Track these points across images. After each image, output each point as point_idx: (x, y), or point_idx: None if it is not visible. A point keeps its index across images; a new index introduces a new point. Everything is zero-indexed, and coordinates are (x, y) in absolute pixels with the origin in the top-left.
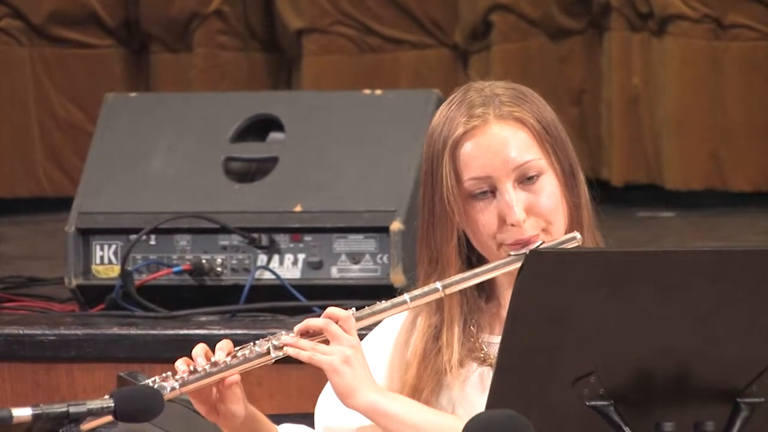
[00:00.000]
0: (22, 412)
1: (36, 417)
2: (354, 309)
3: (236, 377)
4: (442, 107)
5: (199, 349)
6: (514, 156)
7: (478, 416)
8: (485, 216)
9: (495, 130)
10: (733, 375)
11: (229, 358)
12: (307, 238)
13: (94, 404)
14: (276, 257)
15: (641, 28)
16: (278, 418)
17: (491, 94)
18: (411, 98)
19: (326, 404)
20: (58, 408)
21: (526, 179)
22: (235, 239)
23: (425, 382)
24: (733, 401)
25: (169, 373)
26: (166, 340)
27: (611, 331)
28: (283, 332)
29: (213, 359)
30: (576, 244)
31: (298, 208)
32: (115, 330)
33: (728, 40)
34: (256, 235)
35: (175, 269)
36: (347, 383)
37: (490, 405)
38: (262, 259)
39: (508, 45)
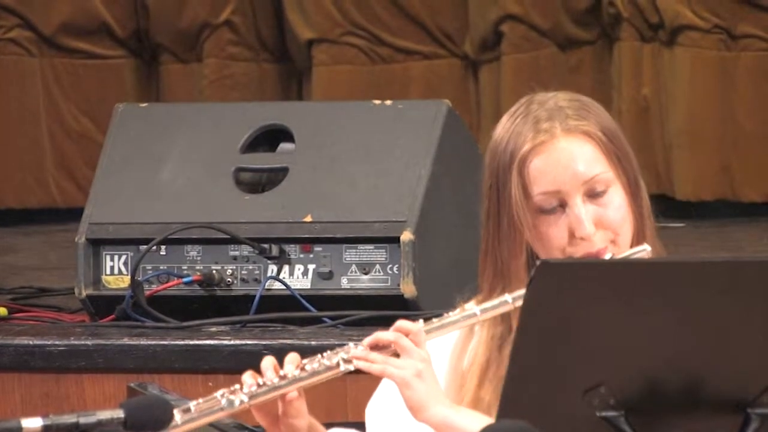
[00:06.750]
0: (31, 423)
1: (46, 428)
2: (422, 321)
3: (295, 393)
4: (504, 121)
5: (268, 363)
6: (583, 170)
7: (489, 427)
8: (555, 230)
9: (563, 144)
10: (743, 386)
11: (297, 371)
12: (318, 248)
13: (105, 415)
14: (286, 268)
15: (651, 39)
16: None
17: (555, 107)
18: (421, 108)
19: (378, 411)
20: (68, 419)
21: (594, 193)
22: (246, 250)
23: (486, 392)
24: (743, 412)
25: (237, 386)
26: (177, 350)
27: (622, 342)
28: (352, 345)
29: (281, 372)
30: (646, 256)
31: (308, 219)
32: (126, 340)
33: (739, 50)
34: (266, 246)
35: (185, 279)
36: (420, 397)
37: (500, 415)
38: (272, 269)
39: (519, 55)
